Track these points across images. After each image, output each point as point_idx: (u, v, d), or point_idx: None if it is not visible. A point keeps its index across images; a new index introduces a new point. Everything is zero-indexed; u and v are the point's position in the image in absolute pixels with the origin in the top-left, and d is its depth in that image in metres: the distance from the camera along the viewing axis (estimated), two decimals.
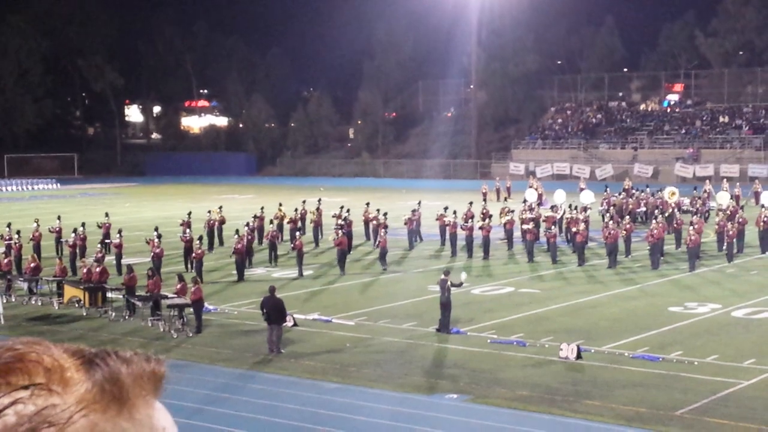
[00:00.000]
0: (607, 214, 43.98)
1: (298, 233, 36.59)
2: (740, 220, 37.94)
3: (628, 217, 40.39)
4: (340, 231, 36.17)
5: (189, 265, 34.93)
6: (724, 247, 36.53)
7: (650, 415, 17.87)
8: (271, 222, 40.43)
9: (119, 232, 36.56)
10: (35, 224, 39.31)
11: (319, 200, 47.11)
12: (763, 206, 41.32)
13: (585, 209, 41.57)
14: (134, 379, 1.31)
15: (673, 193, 46.41)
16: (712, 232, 39.41)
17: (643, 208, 47.17)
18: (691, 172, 76.44)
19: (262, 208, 43.80)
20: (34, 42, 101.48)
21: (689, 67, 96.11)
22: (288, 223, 41.36)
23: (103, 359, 1.31)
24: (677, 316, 26.39)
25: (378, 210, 41.49)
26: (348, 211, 41.51)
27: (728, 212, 40.43)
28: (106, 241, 38.24)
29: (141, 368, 1.32)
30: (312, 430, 17.55)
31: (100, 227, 40.44)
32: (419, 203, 43.35)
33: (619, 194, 49.62)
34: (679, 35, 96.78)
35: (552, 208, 42.67)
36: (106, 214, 43.02)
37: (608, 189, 50.23)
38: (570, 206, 42.10)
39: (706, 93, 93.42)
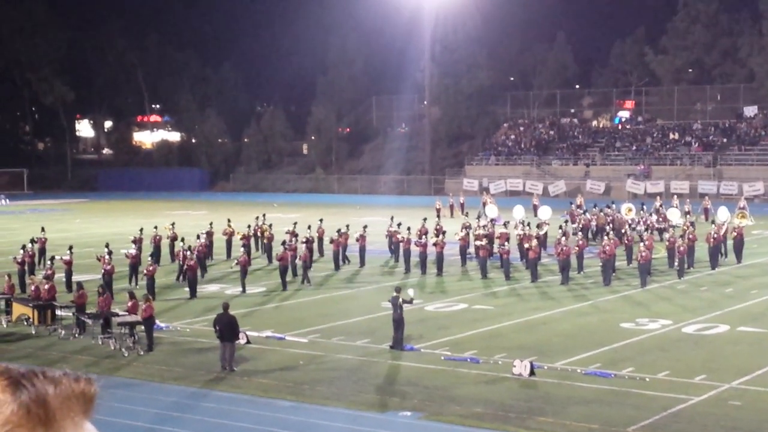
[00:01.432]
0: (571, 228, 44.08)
1: (242, 249, 36.55)
2: (690, 236, 38.38)
3: (580, 233, 40.74)
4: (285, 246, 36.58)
5: (134, 282, 34.73)
6: (675, 264, 36.93)
7: None
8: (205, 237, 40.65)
9: (69, 248, 36.13)
10: None
11: (264, 215, 46.72)
12: (713, 222, 41.84)
13: (541, 225, 41.86)
14: (62, 401, 1.27)
15: (630, 210, 46.92)
16: (662, 248, 39.85)
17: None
18: (642, 189, 77.32)
19: (210, 224, 43.49)
20: None
21: (639, 84, 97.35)
22: (241, 239, 41.11)
23: (30, 380, 1.27)
24: (629, 333, 26.61)
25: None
26: (309, 227, 41.31)
27: (684, 228, 40.89)
28: (51, 256, 37.88)
29: (70, 389, 1.29)
30: None
31: (35, 242, 40.03)
32: (364, 227, 42.45)
33: (585, 211, 49.80)
34: (629, 53, 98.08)
35: (505, 224, 42.86)
36: (42, 229, 42.83)
37: (572, 205, 50.98)
38: (522, 223, 42.35)
39: (656, 110, 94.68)
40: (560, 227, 39.76)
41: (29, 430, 1.24)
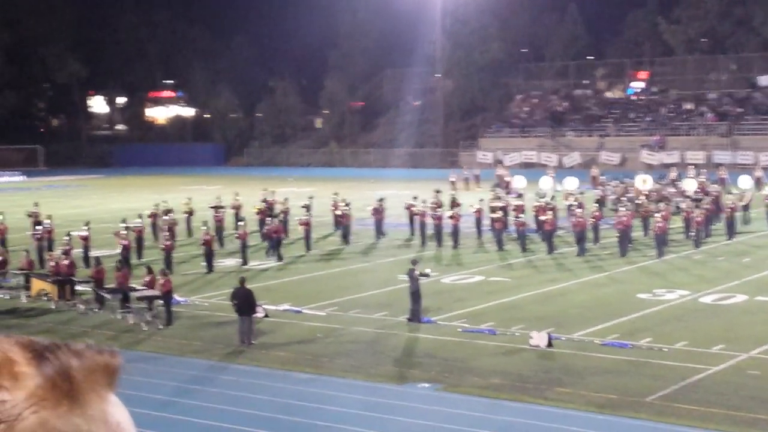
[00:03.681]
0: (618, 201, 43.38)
1: (240, 223, 36.83)
2: (707, 206, 38.25)
3: (596, 204, 40.60)
4: (275, 219, 38.10)
5: (138, 256, 35.10)
6: (692, 234, 36.83)
7: (621, 402, 18.01)
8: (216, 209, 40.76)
9: (86, 224, 36.26)
10: (0, 217, 38.89)
11: (273, 191, 46.60)
12: (729, 192, 41.74)
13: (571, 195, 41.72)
14: (86, 374, 1.27)
15: (645, 181, 46.71)
16: (679, 218, 39.74)
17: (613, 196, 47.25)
18: (658, 160, 76.99)
19: (218, 197, 43.39)
20: None
21: (653, 55, 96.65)
22: (257, 213, 41.15)
23: (54, 353, 1.27)
24: (646, 303, 26.59)
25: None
26: (347, 204, 41.17)
27: (713, 197, 41.01)
28: (36, 227, 38.19)
29: (93, 361, 1.29)
30: (284, 421, 17.53)
31: (29, 216, 40.55)
32: (381, 200, 42.42)
33: (621, 182, 48.74)
34: (642, 23, 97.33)
35: (519, 196, 42.83)
36: (36, 204, 43.06)
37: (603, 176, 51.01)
38: (537, 194, 42.29)
39: (670, 80, 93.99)
40: (575, 198, 39.65)
41: (54, 403, 1.23)
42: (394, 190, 52.05)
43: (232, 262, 35.26)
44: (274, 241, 36.02)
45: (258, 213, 41.21)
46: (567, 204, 39.76)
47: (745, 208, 41.66)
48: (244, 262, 34.33)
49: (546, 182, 48.93)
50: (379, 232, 40.60)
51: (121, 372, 1.31)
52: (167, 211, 40.00)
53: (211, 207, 41.58)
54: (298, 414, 17.89)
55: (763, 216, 41.33)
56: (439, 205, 40.75)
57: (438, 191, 43.63)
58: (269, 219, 38.28)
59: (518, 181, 49.12)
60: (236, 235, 36.04)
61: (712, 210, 38.94)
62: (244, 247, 34.87)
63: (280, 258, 35.41)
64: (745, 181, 46.52)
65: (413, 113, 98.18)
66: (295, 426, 17.36)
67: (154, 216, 40.82)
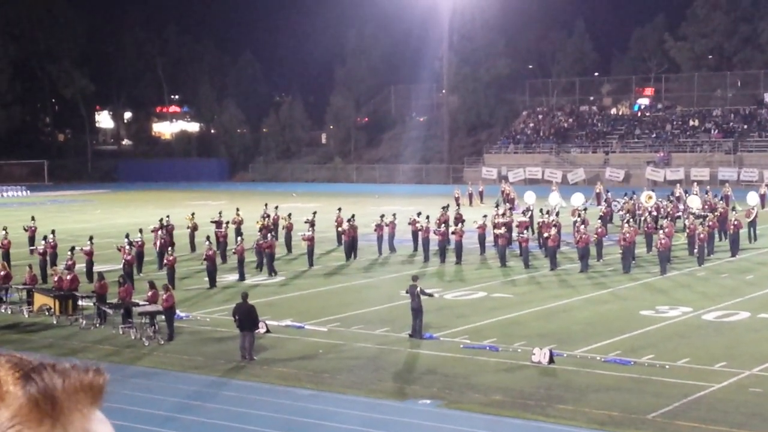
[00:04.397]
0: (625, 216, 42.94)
1: (239, 238, 36.81)
2: (710, 223, 38.22)
3: (599, 221, 40.58)
4: (269, 234, 38.18)
5: (138, 271, 35.16)
6: (695, 251, 36.79)
7: (623, 419, 17.95)
8: (220, 224, 40.91)
9: (90, 239, 36.30)
10: (4, 232, 39.00)
11: (276, 207, 46.65)
12: (734, 209, 41.73)
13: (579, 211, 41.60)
14: (70, 394, 1.28)
15: (650, 197, 46.65)
16: (683, 235, 39.71)
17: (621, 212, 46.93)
18: (662, 176, 76.97)
19: (219, 213, 43.45)
20: (2, 47, 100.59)
21: (659, 71, 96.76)
22: (260, 230, 41.15)
23: (39, 373, 1.29)
24: (649, 320, 26.53)
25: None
26: (353, 217, 41.08)
27: (717, 214, 41.02)
28: (31, 248, 38.91)
29: (78, 381, 1.30)
30: None
31: (26, 231, 41.27)
32: (394, 215, 42.47)
33: (630, 198, 48.14)
34: (649, 39, 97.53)
35: (524, 212, 42.81)
36: (32, 218, 43.42)
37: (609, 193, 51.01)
38: (542, 211, 42.28)
39: (676, 97, 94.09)
40: (578, 215, 39.64)
41: (37, 422, 1.25)
42: (399, 205, 52.01)
43: (235, 277, 35.26)
44: (268, 256, 36.05)
45: (262, 228, 41.19)
46: (573, 220, 39.75)
47: (752, 224, 41.69)
48: (241, 278, 34.38)
49: (554, 198, 49.06)
50: (391, 248, 40.57)
51: (106, 390, 1.33)
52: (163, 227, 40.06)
53: (212, 222, 41.70)
54: (299, 430, 17.87)
55: None
56: (444, 221, 40.73)
57: (444, 207, 43.70)
58: (270, 234, 38.35)
59: (528, 197, 49.29)
60: (233, 251, 36.12)
61: (715, 226, 38.91)
62: (240, 263, 34.98)
63: (272, 273, 35.43)
64: (752, 198, 46.69)
65: (419, 129, 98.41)
66: None
67: (166, 230, 40.82)
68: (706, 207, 45.65)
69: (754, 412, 18.18)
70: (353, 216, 40.95)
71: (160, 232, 38.84)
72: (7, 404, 1.25)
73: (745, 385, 19.92)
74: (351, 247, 39.69)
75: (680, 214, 43.88)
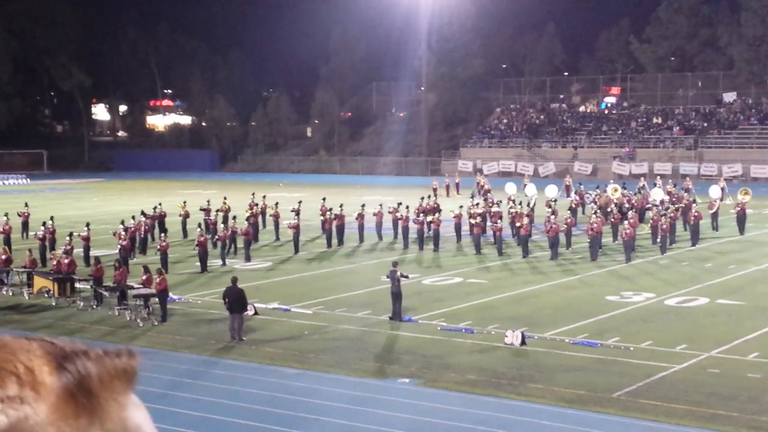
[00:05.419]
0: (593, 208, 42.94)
1: (222, 225, 36.81)
2: (671, 215, 38.38)
3: (569, 211, 40.67)
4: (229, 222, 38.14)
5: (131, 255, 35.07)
6: (658, 240, 36.96)
7: (589, 398, 18.03)
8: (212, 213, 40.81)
9: (87, 225, 36.13)
10: (5, 218, 38.75)
11: (264, 196, 46.51)
12: (694, 202, 41.92)
13: (553, 201, 41.65)
14: (105, 382, 1.19)
15: (616, 190, 46.77)
16: (647, 226, 39.88)
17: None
18: (628, 170, 77.22)
19: (208, 201, 43.34)
20: (3, 43, 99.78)
21: (625, 72, 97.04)
22: (248, 218, 41.04)
23: (73, 361, 1.19)
24: (614, 305, 26.64)
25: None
26: (341, 206, 40.94)
27: (681, 206, 41.27)
28: (23, 233, 39.14)
29: (112, 367, 1.21)
30: (271, 413, 17.49)
31: (19, 216, 41.10)
32: (381, 205, 42.31)
33: (604, 191, 48.03)
34: (615, 42, 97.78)
35: (497, 203, 42.87)
36: (26, 204, 43.27)
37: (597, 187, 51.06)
38: (514, 201, 42.34)
39: (640, 96, 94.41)
40: (549, 206, 39.71)
41: (75, 416, 1.15)
42: (380, 196, 51.96)
43: (228, 262, 35.11)
44: (245, 243, 35.97)
45: (250, 217, 41.06)
46: (548, 211, 39.78)
47: (714, 216, 41.90)
48: (223, 263, 34.33)
49: (531, 190, 49.24)
50: (379, 236, 40.56)
51: (139, 372, 1.23)
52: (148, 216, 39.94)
53: (201, 209, 41.64)
54: (285, 407, 17.85)
55: (732, 224, 41.67)
56: (423, 210, 40.74)
57: (423, 198, 43.71)
58: (247, 222, 38.19)
59: (509, 188, 49.77)
60: (216, 237, 36.02)
61: (677, 217, 39.13)
62: (223, 247, 35.02)
63: (248, 258, 35.35)
64: (714, 191, 46.91)
65: (399, 124, 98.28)
66: (282, 418, 17.31)
67: (152, 218, 40.70)
68: (674, 199, 45.82)
69: (712, 391, 18.30)
70: (342, 205, 40.91)
71: (143, 219, 38.64)
72: (43, 398, 1.15)
73: (703, 366, 20.04)
74: (339, 234, 39.59)
75: (649, 205, 43.89)
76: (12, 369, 1.16)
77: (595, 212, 38.23)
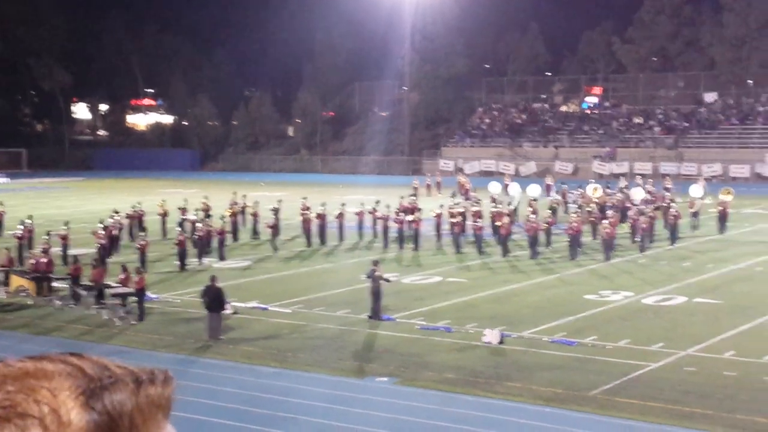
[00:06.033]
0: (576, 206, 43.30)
1: (200, 225, 36.79)
2: (651, 214, 38.54)
3: (550, 211, 40.77)
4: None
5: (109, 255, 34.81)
6: (637, 239, 37.10)
7: (567, 396, 18.10)
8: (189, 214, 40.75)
9: (66, 223, 35.96)
10: None
11: (244, 195, 46.52)
12: (672, 201, 42.12)
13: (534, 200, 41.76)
14: (139, 418, 1.07)
15: (596, 189, 46.92)
16: (626, 225, 40.02)
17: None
18: (608, 170, 77.49)
19: (185, 200, 43.28)
20: None
21: (607, 72, 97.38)
22: (230, 216, 40.94)
23: (103, 397, 1.06)
24: (592, 303, 26.74)
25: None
26: (323, 205, 40.87)
27: (664, 205, 41.54)
28: (18, 226, 38.36)
29: (146, 400, 1.08)
30: (250, 412, 17.47)
31: None
32: (362, 204, 42.23)
33: (556, 191, 48.60)
34: (597, 42, 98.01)
35: (477, 201, 42.94)
36: (0, 202, 43.15)
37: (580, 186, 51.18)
38: (495, 200, 42.39)
39: (622, 96, 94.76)
40: (530, 205, 39.82)
41: None
42: (362, 195, 51.94)
43: (205, 261, 35.06)
44: (218, 242, 35.95)
45: (231, 216, 40.99)
46: (529, 210, 39.94)
47: (695, 215, 42.12)
48: (199, 261, 34.36)
49: (515, 189, 49.20)
50: (360, 234, 40.58)
51: (174, 399, 1.11)
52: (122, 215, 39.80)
53: (179, 209, 41.59)
54: (263, 406, 17.83)
55: (711, 223, 41.93)
56: (403, 209, 40.75)
57: (403, 197, 43.70)
58: (222, 221, 38.08)
59: (492, 187, 49.89)
60: (196, 236, 35.99)
61: (656, 217, 39.30)
62: (201, 247, 35.00)
63: (222, 257, 35.31)
64: (695, 191, 47.19)
65: (381, 123, 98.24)
66: (261, 417, 17.29)
67: (131, 217, 40.58)
68: (654, 198, 46.06)
69: (688, 389, 18.40)
70: (324, 204, 40.90)
71: (117, 217, 38.44)
72: None
73: (680, 365, 20.15)
74: (321, 233, 39.57)
75: (629, 204, 44.05)
76: (35, 413, 1.04)
77: (576, 212, 38.36)
